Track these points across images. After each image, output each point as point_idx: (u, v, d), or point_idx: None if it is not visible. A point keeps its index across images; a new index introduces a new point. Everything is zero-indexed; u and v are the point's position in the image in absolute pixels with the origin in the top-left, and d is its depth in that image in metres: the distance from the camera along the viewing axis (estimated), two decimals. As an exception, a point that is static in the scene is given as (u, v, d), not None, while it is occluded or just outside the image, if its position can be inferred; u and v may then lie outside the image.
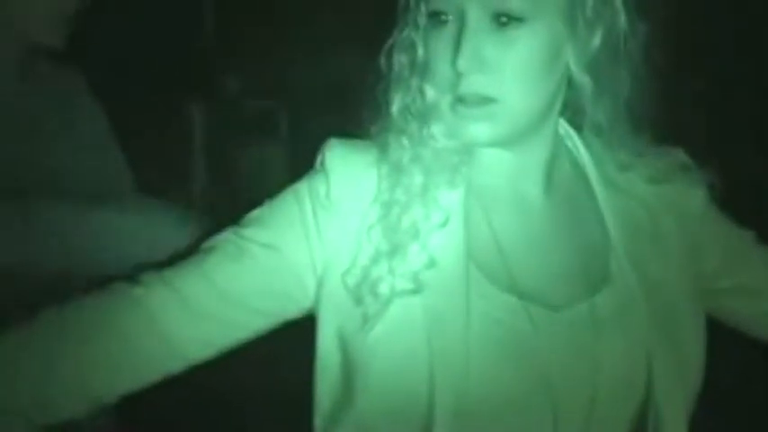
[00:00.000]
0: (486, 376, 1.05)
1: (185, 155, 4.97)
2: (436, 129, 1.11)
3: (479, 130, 1.07)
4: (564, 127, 1.19)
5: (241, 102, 5.31)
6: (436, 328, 1.05)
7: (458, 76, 1.05)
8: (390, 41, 1.14)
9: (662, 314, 1.11)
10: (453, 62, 1.05)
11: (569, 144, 1.20)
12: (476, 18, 1.05)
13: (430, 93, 1.10)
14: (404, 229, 1.08)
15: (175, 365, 1.12)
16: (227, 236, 1.13)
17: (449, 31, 1.07)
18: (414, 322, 1.05)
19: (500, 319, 1.07)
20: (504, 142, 1.11)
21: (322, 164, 1.13)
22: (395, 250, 1.07)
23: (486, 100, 1.06)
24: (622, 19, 1.10)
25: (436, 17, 1.08)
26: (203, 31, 5.22)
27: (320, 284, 1.11)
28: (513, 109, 1.07)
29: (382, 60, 1.14)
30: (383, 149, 1.12)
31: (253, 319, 1.12)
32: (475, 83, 1.05)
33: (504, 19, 1.05)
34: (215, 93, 5.06)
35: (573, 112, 1.16)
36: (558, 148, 1.18)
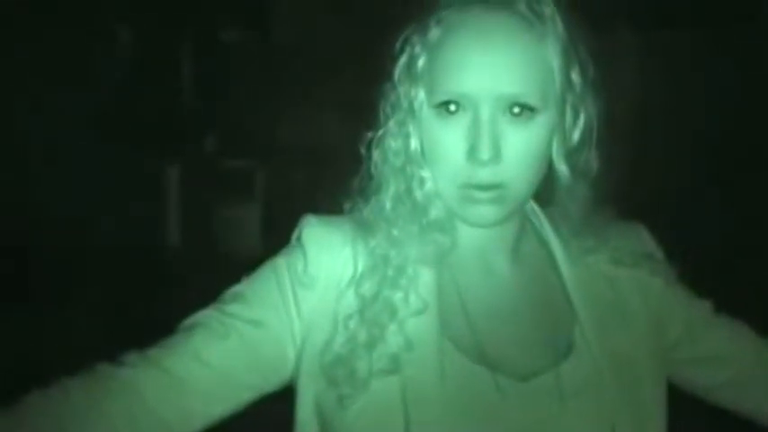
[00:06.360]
0: None
1: (162, 212, 4.97)
2: (434, 213, 1.14)
3: (488, 211, 1.11)
4: (529, 202, 1.22)
5: (218, 160, 5.33)
6: (413, 399, 1.07)
7: (472, 165, 1.08)
8: (380, 131, 1.15)
9: (626, 385, 1.14)
10: (470, 152, 1.08)
11: (534, 219, 1.24)
12: (491, 109, 1.08)
13: (431, 180, 1.13)
14: (382, 315, 1.10)
15: None
16: (210, 313, 1.13)
17: (459, 121, 1.09)
18: (391, 396, 1.08)
19: (472, 389, 1.09)
20: (504, 220, 1.14)
21: (299, 240, 1.16)
22: (373, 341, 1.09)
23: (497, 185, 1.09)
24: (598, 105, 1.15)
25: (443, 107, 1.10)
26: (182, 92, 5.26)
27: (299, 356, 1.13)
28: (518, 192, 1.12)
29: (373, 149, 1.15)
30: (359, 228, 1.15)
31: (239, 394, 1.13)
32: (491, 171, 1.08)
33: (517, 109, 1.08)
34: (192, 151, 5.08)
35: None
36: (525, 223, 1.22)
